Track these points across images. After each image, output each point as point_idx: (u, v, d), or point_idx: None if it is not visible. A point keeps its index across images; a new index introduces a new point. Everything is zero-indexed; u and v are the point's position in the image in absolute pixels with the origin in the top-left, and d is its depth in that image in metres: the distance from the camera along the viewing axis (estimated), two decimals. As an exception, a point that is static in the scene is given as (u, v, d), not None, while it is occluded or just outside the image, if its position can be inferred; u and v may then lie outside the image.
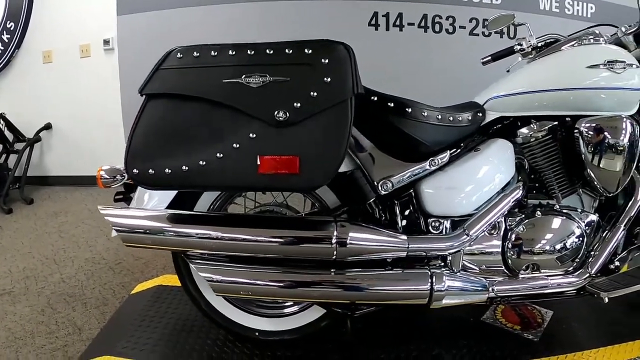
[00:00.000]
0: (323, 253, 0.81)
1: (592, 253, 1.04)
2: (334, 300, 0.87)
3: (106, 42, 2.46)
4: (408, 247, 0.85)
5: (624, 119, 1.00)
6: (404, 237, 0.85)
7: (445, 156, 0.94)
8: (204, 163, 0.74)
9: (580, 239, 1.03)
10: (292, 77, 0.72)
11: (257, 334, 1.04)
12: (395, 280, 0.86)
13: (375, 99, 0.89)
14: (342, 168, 0.90)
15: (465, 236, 0.89)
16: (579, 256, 1.04)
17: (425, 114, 0.91)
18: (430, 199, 0.92)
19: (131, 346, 1.09)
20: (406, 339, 1.12)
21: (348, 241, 0.81)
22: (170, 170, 0.75)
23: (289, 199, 1.09)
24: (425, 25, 2.44)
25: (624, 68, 1.01)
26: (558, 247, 1.01)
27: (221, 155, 0.73)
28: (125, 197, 1.01)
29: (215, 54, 0.75)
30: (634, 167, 1.04)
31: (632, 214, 1.07)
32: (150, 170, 0.76)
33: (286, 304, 1.04)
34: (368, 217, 0.91)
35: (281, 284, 0.84)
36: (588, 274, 1.02)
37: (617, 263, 1.08)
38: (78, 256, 1.71)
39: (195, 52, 0.76)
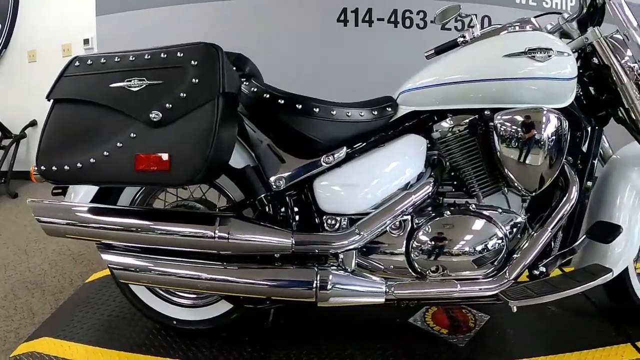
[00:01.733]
0: (207, 246, 0.96)
1: (514, 257, 1.08)
2: (221, 292, 1.01)
3: (86, 41, 2.78)
4: (293, 244, 0.96)
5: (544, 111, 1.02)
6: (289, 233, 0.97)
7: (340, 153, 1.03)
8: (94, 161, 0.91)
9: (498, 241, 1.07)
10: (165, 79, 0.86)
11: (174, 322, 1.21)
12: (281, 276, 0.98)
13: (268, 96, 1.01)
14: (239, 163, 1.04)
15: (357, 235, 0.98)
16: (497, 260, 1.08)
17: (317, 110, 1.01)
18: (322, 196, 1.02)
19: (69, 329, 1.31)
20: (323, 336, 1.23)
21: (229, 236, 0.94)
22: (68, 168, 0.93)
23: (209, 194, 1.24)
24: (396, 21, 2.52)
25: (549, 56, 1.03)
26: (468, 249, 1.05)
27: (107, 153, 0.90)
28: (64, 191, 1.22)
29: (104, 61, 0.91)
30: (560, 163, 1.06)
31: (562, 215, 1.09)
32: (54, 168, 0.94)
33: (189, 295, 1.20)
34: (264, 213, 1.04)
35: (173, 274, 0.99)
36: (506, 280, 1.06)
37: (542, 269, 1.11)
38: (47, 247, 1.99)
39: (89, 61, 0.93)
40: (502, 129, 1.03)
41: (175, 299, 1.22)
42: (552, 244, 1.16)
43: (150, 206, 1.24)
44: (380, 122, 1.08)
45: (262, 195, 1.00)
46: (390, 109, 1.09)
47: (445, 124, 1.09)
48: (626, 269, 1.21)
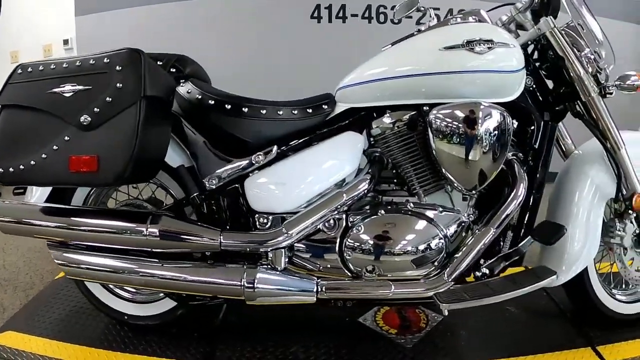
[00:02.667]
0: (138, 244, 1.09)
1: (455, 257, 1.15)
2: (155, 288, 1.15)
3: (66, 42, 3.01)
4: (221, 242, 1.08)
5: (481, 106, 1.08)
6: (218, 232, 1.09)
7: (271, 151, 1.14)
8: (34, 163, 1.06)
9: (438, 241, 1.14)
10: (94, 85, 1.00)
11: (126, 317, 1.36)
12: (210, 274, 1.10)
13: (200, 97, 1.13)
14: (175, 162, 1.17)
15: (284, 234, 1.09)
16: (437, 260, 1.16)
17: (246, 110, 1.12)
18: (252, 194, 1.14)
19: (32, 324, 1.49)
20: (272, 334, 1.35)
21: (158, 233, 1.07)
22: (12, 169, 1.08)
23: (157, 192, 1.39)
24: (370, 16, 2.64)
25: (490, 48, 1.08)
26: (403, 249, 1.12)
27: (45, 156, 1.05)
28: (25, 191, 1.39)
29: (42, 68, 1.06)
30: (501, 160, 1.11)
31: (508, 214, 1.14)
32: (0, 170, 1.10)
33: (130, 290, 1.35)
34: (201, 212, 1.17)
35: (112, 270, 1.14)
36: (444, 281, 1.12)
37: (485, 270, 1.19)
38: (23, 245, 2.21)
39: (29, 68, 1.08)
40: (436, 124, 1.10)
41: (125, 295, 1.37)
42: (502, 243, 1.23)
43: (105, 205, 1.40)
44: (315, 119, 1.18)
45: (195, 195, 1.13)
46: (326, 107, 1.19)
47: (385, 120, 1.17)
48: (586, 269, 1.26)
